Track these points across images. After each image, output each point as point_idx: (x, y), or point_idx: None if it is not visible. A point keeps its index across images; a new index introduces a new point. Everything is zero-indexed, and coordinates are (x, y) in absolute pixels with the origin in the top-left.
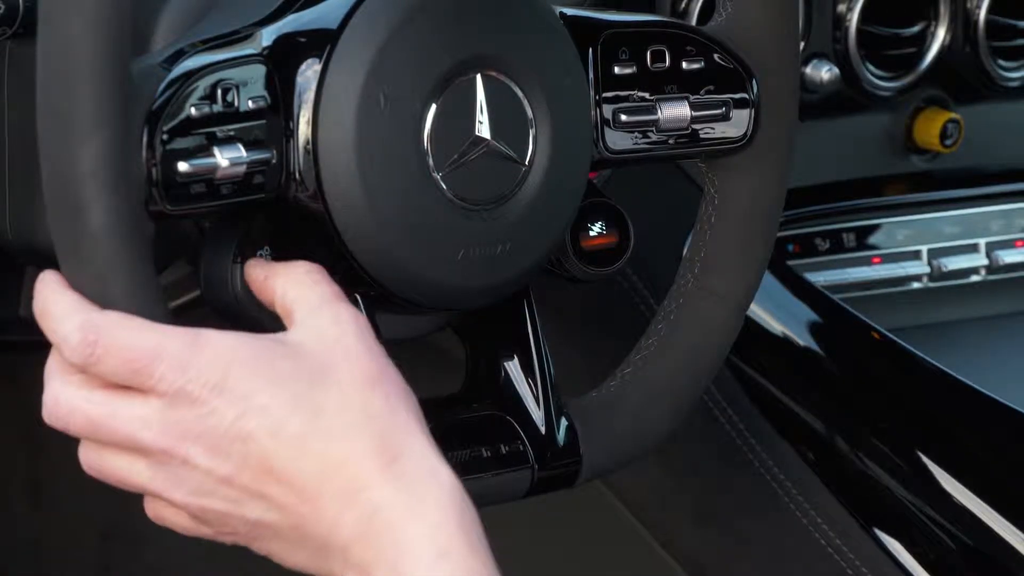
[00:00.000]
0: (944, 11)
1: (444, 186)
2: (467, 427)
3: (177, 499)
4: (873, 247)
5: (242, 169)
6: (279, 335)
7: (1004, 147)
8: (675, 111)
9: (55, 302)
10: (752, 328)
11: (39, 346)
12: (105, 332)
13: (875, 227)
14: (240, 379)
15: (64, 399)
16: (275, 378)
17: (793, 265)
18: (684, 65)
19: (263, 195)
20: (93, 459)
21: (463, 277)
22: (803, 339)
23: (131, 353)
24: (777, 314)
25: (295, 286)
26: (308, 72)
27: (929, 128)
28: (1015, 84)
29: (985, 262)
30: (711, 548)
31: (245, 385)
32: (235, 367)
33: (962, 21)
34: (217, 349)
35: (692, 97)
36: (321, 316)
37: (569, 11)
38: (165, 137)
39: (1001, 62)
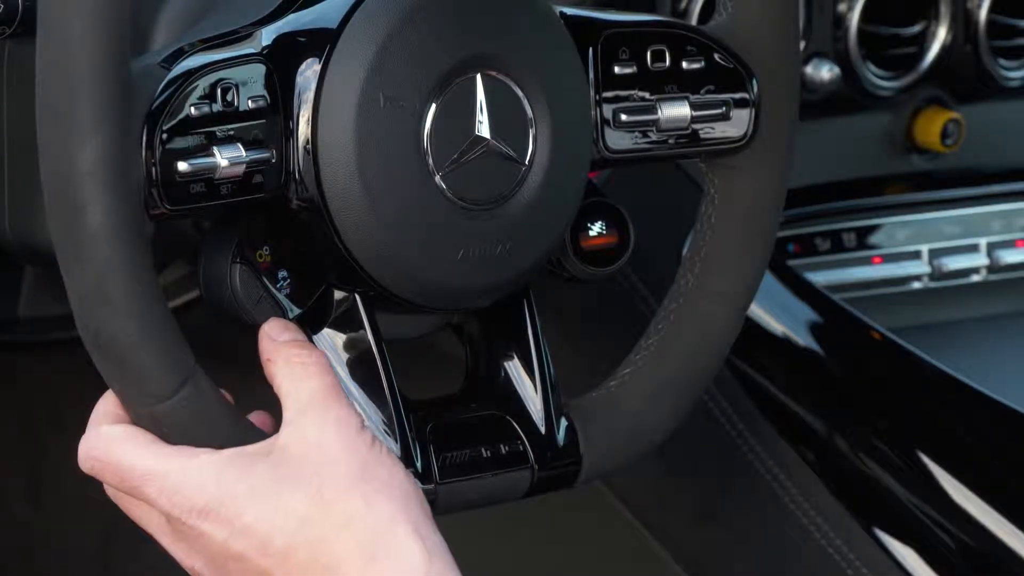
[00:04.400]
0: (945, 10)
1: (444, 186)
2: (467, 427)
3: (184, 561)
4: (873, 247)
5: (241, 169)
6: (268, 442)
7: (1005, 147)
8: (675, 111)
9: (97, 408)
10: (752, 328)
11: (39, 346)
12: (104, 449)
13: (875, 227)
14: (225, 501)
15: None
16: (258, 495)
17: (793, 265)
18: (684, 65)
19: (262, 195)
20: (114, 493)
21: (463, 277)
22: (803, 339)
23: (124, 473)
24: (777, 314)
25: (288, 379)
26: (308, 72)
27: (929, 128)
28: (1016, 84)
29: (986, 262)
30: (711, 548)
31: (230, 507)
32: (220, 490)
33: (963, 20)
34: (204, 473)
35: (692, 97)
36: (305, 419)
37: (569, 11)
38: (164, 136)
39: (1002, 61)
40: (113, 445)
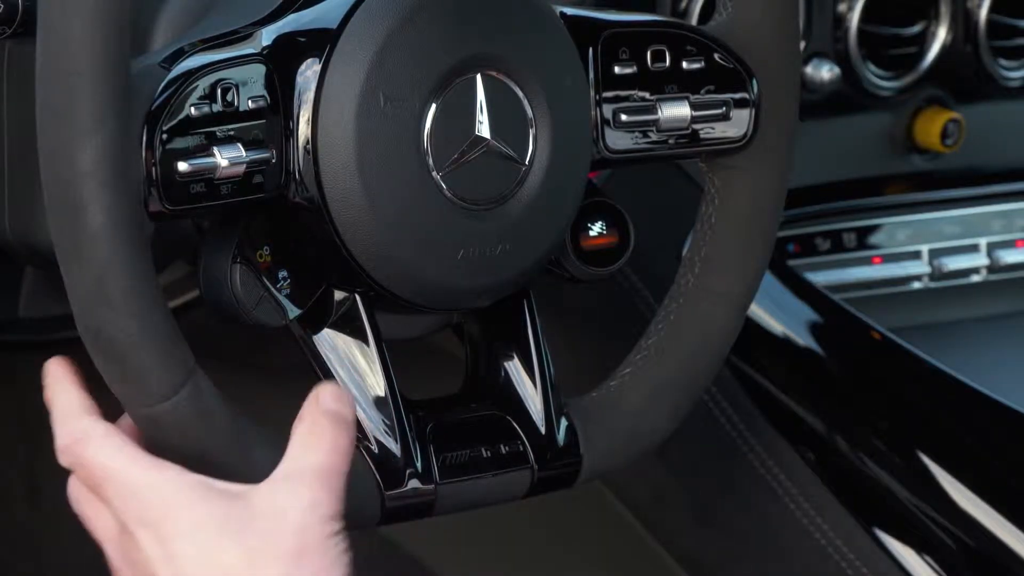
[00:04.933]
0: (945, 10)
1: (444, 186)
2: (467, 427)
3: (118, 569)
4: (873, 247)
5: (241, 169)
6: (243, 486)
7: (1005, 147)
8: (675, 111)
9: (59, 399)
10: (752, 328)
11: (39, 346)
12: (82, 445)
13: (875, 227)
14: (169, 519)
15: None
16: (198, 531)
17: (793, 265)
18: (684, 65)
19: (263, 195)
20: (74, 489)
21: (463, 277)
22: (803, 339)
23: (91, 468)
24: (777, 314)
25: (301, 441)
26: (308, 72)
27: (930, 128)
28: (1016, 84)
29: (986, 262)
30: (711, 548)
31: (169, 528)
32: (169, 509)
33: (963, 20)
34: (163, 487)
35: (692, 97)
36: (287, 483)
37: (569, 11)
38: (164, 137)
39: (1002, 61)
40: (90, 441)
